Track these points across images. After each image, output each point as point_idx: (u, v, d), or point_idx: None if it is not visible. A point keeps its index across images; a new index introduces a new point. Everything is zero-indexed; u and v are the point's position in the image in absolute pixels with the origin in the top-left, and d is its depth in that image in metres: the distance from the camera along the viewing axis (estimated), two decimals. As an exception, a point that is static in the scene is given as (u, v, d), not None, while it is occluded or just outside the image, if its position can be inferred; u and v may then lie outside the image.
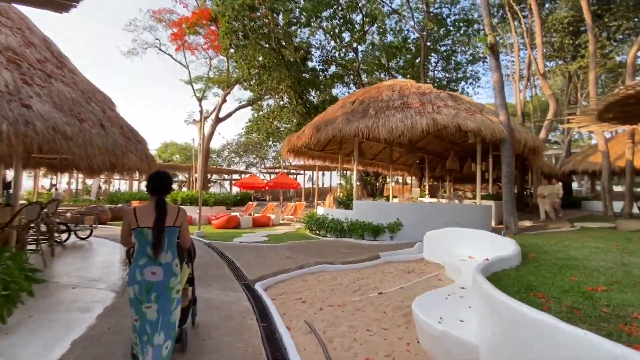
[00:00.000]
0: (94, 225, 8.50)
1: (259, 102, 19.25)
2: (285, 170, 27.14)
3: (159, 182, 2.28)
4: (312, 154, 13.87)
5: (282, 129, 27.32)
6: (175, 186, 41.63)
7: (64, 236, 7.91)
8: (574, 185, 23.98)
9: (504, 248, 5.05)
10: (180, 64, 20.78)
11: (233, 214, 14.68)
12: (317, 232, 9.72)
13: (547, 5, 17.46)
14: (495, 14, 20.74)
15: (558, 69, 18.36)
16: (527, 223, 10.87)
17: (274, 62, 15.93)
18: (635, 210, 10.27)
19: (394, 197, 16.04)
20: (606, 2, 14.58)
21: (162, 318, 2.14)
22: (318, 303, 4.01)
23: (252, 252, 6.99)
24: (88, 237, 8.67)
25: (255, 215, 14.14)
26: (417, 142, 13.04)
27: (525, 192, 15.18)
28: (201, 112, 18.01)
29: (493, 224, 9.64)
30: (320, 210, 10.61)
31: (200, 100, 21.09)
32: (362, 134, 7.87)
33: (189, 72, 20.30)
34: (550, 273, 3.33)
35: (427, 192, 18.07)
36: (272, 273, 5.21)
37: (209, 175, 34.89)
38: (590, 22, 10.92)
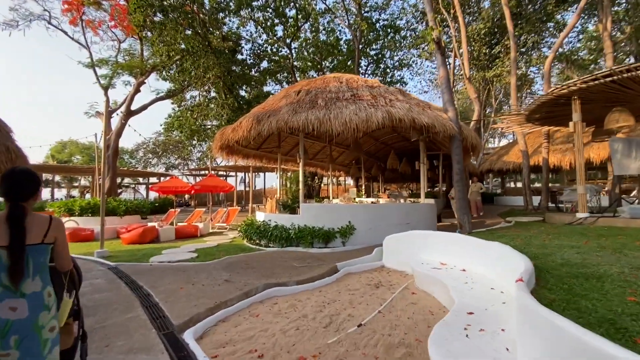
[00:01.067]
0: None
1: (181, 95, 16.74)
2: (214, 172, 24.76)
3: (14, 183, 1.69)
4: (247, 152, 12.36)
5: (209, 127, 24.91)
6: (75, 192, 35.03)
7: None
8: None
9: (482, 254, 4.52)
10: (79, 43, 16.88)
11: (150, 224, 12.24)
12: (258, 242, 8.37)
13: (466, 19, 18.99)
14: (421, 21, 21.94)
15: (477, 76, 20.18)
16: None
17: (199, 47, 13.87)
18: (550, 204, 11.38)
19: (333, 198, 15.45)
20: (516, 18, 16.38)
21: None
22: (283, 355, 2.81)
23: (176, 276, 5.36)
24: None
25: (179, 224, 11.98)
26: (356, 140, 12.59)
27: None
28: (107, 102, 14.92)
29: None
30: (260, 216, 9.25)
31: (105, 89, 17.49)
32: (313, 127, 6.84)
33: (90, 54, 16.59)
34: (595, 292, 2.77)
35: (363, 192, 18.00)
36: (207, 309, 3.79)
37: (119, 179, 29.94)
38: (512, 29, 11.87)
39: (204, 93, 16.71)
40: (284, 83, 24.35)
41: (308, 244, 7.51)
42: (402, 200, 9.77)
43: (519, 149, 16.69)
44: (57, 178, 32.03)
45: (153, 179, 31.16)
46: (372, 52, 24.30)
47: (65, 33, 16.48)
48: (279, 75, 24.35)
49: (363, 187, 18.18)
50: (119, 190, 28.27)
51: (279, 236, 7.69)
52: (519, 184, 23.69)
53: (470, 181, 12.96)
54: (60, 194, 32.54)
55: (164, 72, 18.70)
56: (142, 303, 4.04)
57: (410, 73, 26.68)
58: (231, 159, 11.62)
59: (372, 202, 10.99)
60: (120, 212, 14.33)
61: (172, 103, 21.89)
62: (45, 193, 28.89)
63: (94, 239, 10.50)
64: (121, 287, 4.79)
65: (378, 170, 18.11)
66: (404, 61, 24.00)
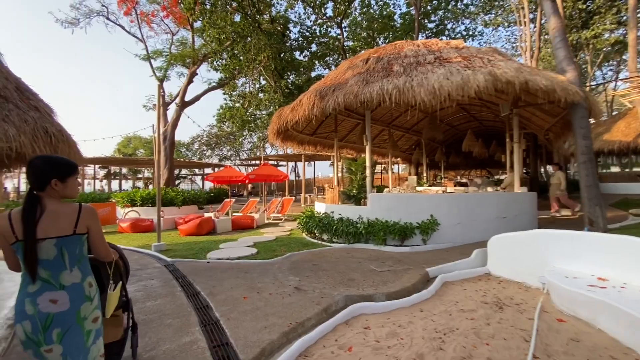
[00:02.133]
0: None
1: (232, 83, 16.36)
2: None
3: (30, 172, 1.58)
4: (301, 138, 11.45)
5: (259, 117, 24.68)
6: (140, 184, 37.70)
7: None
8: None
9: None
10: (135, 36, 17.32)
11: (206, 214, 12.00)
12: (319, 236, 7.41)
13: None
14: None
15: (570, 38, 16.95)
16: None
17: (249, 29, 13.18)
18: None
19: (393, 187, 14.03)
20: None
21: None
22: None
23: (237, 278, 4.55)
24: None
25: (234, 215, 11.55)
26: (433, 117, 10.91)
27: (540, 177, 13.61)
28: (160, 92, 15.08)
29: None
30: (319, 207, 8.28)
31: (161, 81, 17.80)
32: (391, 98, 5.56)
33: (146, 47, 16.95)
34: None
35: (425, 181, 16.24)
36: (281, 334, 2.83)
37: (177, 171, 31.38)
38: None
39: (254, 81, 16.13)
40: (332, 67, 23.08)
41: (380, 241, 6.34)
42: (489, 189, 8.10)
43: (626, 125, 13.65)
44: (124, 170, 34.61)
45: (208, 170, 32.20)
46: (431, 25, 21.86)
47: (122, 27, 17.04)
48: (327, 58, 23.14)
49: (425, 175, 16.43)
50: (177, 181, 29.59)
51: (345, 231, 6.63)
52: (614, 169, 19.90)
53: (553, 169, 10.53)
54: (127, 185, 35.21)
55: (214, 62, 18.55)
56: (200, 319, 3.22)
57: (479, 44, 23.49)
58: (286, 146, 10.80)
59: (472, 193, 9.46)
60: (178, 203, 14.44)
61: (224, 93, 21.88)
62: (113, 184, 31.33)
63: (154, 230, 10.42)
64: (176, 292, 4.07)
65: (442, 155, 16.17)
66: (469, 32, 21.21)
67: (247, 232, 9.44)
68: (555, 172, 9.90)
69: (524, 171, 14.23)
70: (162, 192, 14.59)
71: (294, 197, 13.38)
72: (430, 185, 14.72)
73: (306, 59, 21.99)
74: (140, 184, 36.94)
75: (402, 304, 3.59)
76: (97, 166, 28.46)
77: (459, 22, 21.11)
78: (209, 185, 35.73)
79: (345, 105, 6.07)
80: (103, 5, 16.53)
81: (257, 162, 30.74)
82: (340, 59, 22.29)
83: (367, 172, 7.06)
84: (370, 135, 7.03)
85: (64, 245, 1.57)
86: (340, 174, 11.10)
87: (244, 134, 31.08)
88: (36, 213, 1.52)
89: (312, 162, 24.79)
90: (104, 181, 30.94)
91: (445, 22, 21.32)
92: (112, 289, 1.93)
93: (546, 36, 17.07)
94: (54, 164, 1.63)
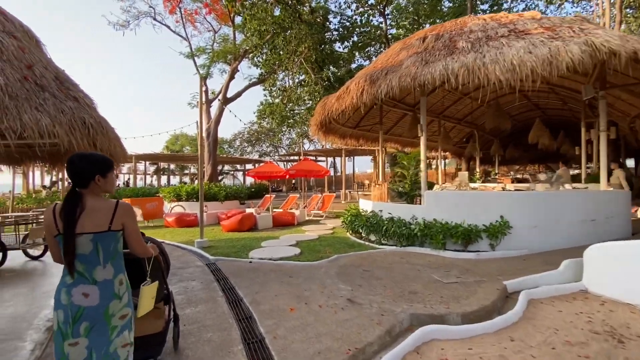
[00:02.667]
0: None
1: (272, 77, 16.16)
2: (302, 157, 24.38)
3: (70, 169, 1.61)
4: (343, 131, 10.86)
5: (298, 112, 24.51)
6: (187, 179, 39.60)
7: None
8: None
9: None
10: (180, 35, 17.88)
11: (247, 210, 11.91)
12: (366, 236, 6.81)
13: None
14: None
15: None
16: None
17: (290, 19, 12.80)
18: None
19: (443, 184, 12.94)
20: None
21: (97, 354, 1.54)
22: None
23: (282, 284, 4.12)
24: (42, 255, 6.02)
25: (275, 211, 11.31)
26: (497, 103, 9.71)
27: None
28: (202, 84, 15.29)
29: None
30: (366, 205, 7.65)
31: (204, 78, 18.18)
32: (458, 78, 4.74)
33: (190, 45, 17.40)
34: None
35: (479, 177, 14.83)
36: (340, 364, 2.30)
37: (220, 167, 32.38)
38: None
39: (295, 73, 15.77)
40: (373, 57, 22.10)
41: (439, 245, 5.58)
42: (567, 186, 6.90)
43: None
44: (172, 166, 36.47)
45: (249, 166, 32.83)
46: (485, 7, 19.97)
47: (168, 27, 17.69)
48: (369, 49, 22.20)
49: (478, 170, 15.04)
50: (220, 177, 30.47)
51: (396, 232, 5.95)
52: None
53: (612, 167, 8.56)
54: (174, 180, 37.11)
55: (255, 58, 18.55)
56: (242, 335, 2.79)
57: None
58: (327, 140, 10.28)
59: (554, 192, 8.36)
60: (221, 198, 14.60)
61: (264, 89, 21.92)
62: (163, 180, 33.14)
63: (197, 225, 10.49)
64: (217, 297, 3.71)
65: (499, 149, 14.67)
66: (530, 8, 19.04)
67: (288, 230, 9.09)
68: (615, 170, 8.22)
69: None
70: (206, 187, 14.84)
71: (334, 194, 12.88)
72: (483, 182, 13.40)
73: (346, 50, 21.28)
74: (186, 179, 38.72)
75: (485, 329, 2.89)
76: (147, 162, 30.22)
77: (518, 0, 19.03)
78: (249, 180, 36.60)
79: (400, 89, 5.35)
80: (150, 7, 17.19)
81: (296, 157, 30.72)
82: (382, 49, 21.25)
83: (422, 166, 6.29)
84: (425, 125, 6.23)
85: (99, 241, 1.58)
86: (380, 170, 10.33)
87: (283, 130, 31.14)
88: (77, 209, 1.55)
89: (352, 157, 24.08)
90: (155, 177, 32.85)
91: (501, 1, 19.34)
92: (147, 284, 1.93)
93: (629, 10, 14.66)
94: (95, 160, 1.67)
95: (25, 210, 13.11)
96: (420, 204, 6.33)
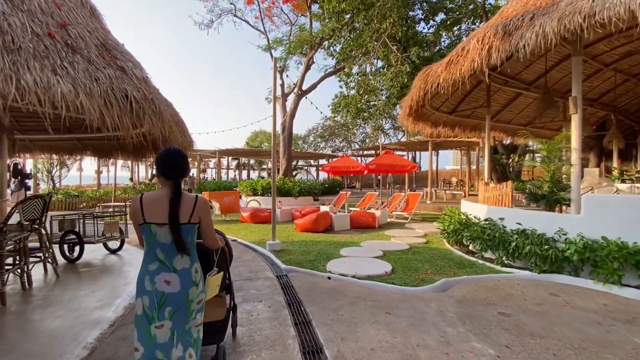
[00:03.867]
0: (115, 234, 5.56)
1: (350, 62, 14.87)
2: (380, 152, 22.68)
3: (170, 161, 1.70)
4: (436, 118, 9.07)
5: (375, 104, 22.95)
6: (264, 174, 41.26)
7: (66, 251, 5.15)
8: None
9: None
10: (258, 29, 17.93)
11: (322, 208, 10.97)
12: (479, 252, 5.10)
13: None
14: None
15: None
16: None
17: (372, -5, 11.36)
18: None
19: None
20: None
21: (177, 333, 1.65)
22: None
23: (378, 326, 2.85)
24: (119, 249, 5.87)
25: (351, 209, 10.11)
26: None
27: None
28: (276, 69, 14.89)
29: None
30: (474, 210, 5.90)
31: (280, 72, 17.96)
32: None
33: (267, 39, 17.28)
34: None
35: (617, 175, 11.28)
36: None
37: (294, 162, 32.64)
38: None
39: (377, 54, 14.16)
40: (464, 37, 19.12)
41: (611, 278, 3.63)
42: None
43: None
44: (252, 161, 38.28)
45: (322, 161, 32.44)
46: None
47: (247, 22, 17.84)
48: (459, 26, 19.35)
49: (616, 167, 11.51)
50: (294, 172, 30.66)
51: (534, 252, 4.14)
52: None
53: None
54: (254, 175, 38.90)
55: (330, 48, 17.59)
56: None
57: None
58: (417, 128, 8.63)
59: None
60: (295, 193, 14.05)
61: (339, 80, 20.91)
62: (244, 174, 34.94)
63: (271, 221, 9.93)
64: (288, 340, 2.61)
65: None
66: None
67: (368, 233, 7.79)
68: None
69: None
70: (280, 182, 14.47)
71: (420, 192, 11.08)
72: (622, 182, 10.04)
73: (432, 30, 18.84)
74: (264, 174, 40.32)
75: None
76: (230, 158, 32.06)
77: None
78: (321, 175, 36.26)
79: (560, 36, 3.49)
80: (231, 3, 17.52)
81: (372, 152, 29.06)
82: (477, 24, 18.25)
83: (574, 157, 4.31)
84: (580, 98, 4.22)
85: (181, 232, 1.65)
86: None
87: (358, 122, 29.78)
88: (179, 201, 1.65)
89: (437, 152, 21.47)
90: (237, 171, 34.82)
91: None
92: (213, 275, 1.99)
93: None
94: (185, 156, 1.77)
95: (124, 199, 14.48)
96: (563, 212, 4.37)
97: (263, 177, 35.70)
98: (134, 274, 4.75)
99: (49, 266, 4.44)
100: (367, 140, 38.14)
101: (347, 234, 7.73)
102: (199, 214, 1.70)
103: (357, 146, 39.36)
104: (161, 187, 1.69)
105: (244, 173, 35.99)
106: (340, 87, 21.19)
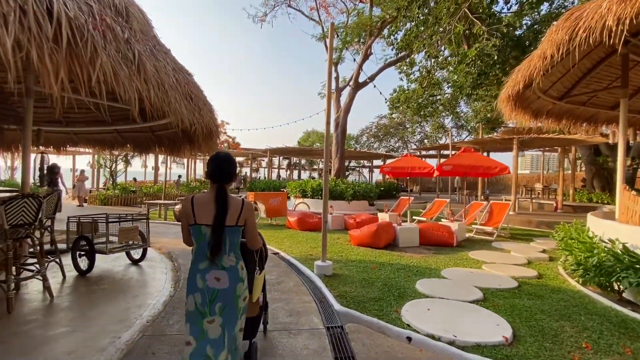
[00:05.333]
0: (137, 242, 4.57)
1: (420, 41, 12.82)
2: (447, 152, 20.18)
3: (218, 166, 1.79)
4: (540, 106, 6.89)
5: (439, 98, 20.51)
6: (315, 174, 40.42)
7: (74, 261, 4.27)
8: None
9: None
10: (313, 19, 16.85)
11: (380, 215, 9.30)
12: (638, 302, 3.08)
13: None
14: None
15: None
16: None
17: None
18: None
19: None
20: None
21: (228, 334, 1.75)
22: None
23: None
24: (141, 259, 4.93)
25: (415, 218, 8.28)
26: None
27: None
28: (331, 55, 13.52)
29: None
30: (628, 234, 3.80)
31: (335, 64, 16.63)
32: None
33: (322, 27, 16.07)
34: None
35: None
36: None
37: (347, 162, 31.08)
38: None
39: (453, 33, 11.97)
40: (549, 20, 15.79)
41: None
42: None
43: None
44: (303, 161, 37.64)
45: (376, 162, 30.50)
46: None
47: (302, 12, 16.90)
48: (544, 6, 16.08)
49: None
50: (347, 173, 29.11)
51: None
52: None
53: None
54: (305, 175, 38.22)
55: (391, 36, 15.77)
56: None
57: None
58: (515, 117, 6.54)
59: None
60: (348, 197, 12.53)
61: (400, 72, 18.94)
62: (295, 174, 34.41)
63: (321, 229, 8.54)
64: None
65: None
66: None
67: (445, 254, 5.98)
68: None
69: None
70: (332, 183, 13.07)
71: (509, 202, 8.76)
72: None
73: (513, 8, 15.91)
74: (315, 174, 39.43)
75: None
76: (281, 157, 31.68)
77: None
78: (375, 177, 34.15)
79: None
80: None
81: (433, 152, 26.29)
82: (571, 3, 14.88)
83: None
84: None
85: (228, 234, 1.75)
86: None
87: (418, 119, 27.20)
88: (228, 204, 1.74)
89: (523, 151, 18.13)
90: (288, 171, 34.44)
91: None
92: (258, 274, 2.16)
93: None
94: (233, 162, 1.86)
95: (173, 196, 14.33)
96: None
97: (314, 178, 34.70)
98: (153, 292, 3.70)
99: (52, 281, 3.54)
100: (426, 141, 35.16)
101: (417, 254, 6.01)
102: (244, 217, 1.81)
103: (415, 146, 36.46)
104: (209, 189, 1.79)
105: (295, 173, 35.43)
106: (401, 79, 19.26)
